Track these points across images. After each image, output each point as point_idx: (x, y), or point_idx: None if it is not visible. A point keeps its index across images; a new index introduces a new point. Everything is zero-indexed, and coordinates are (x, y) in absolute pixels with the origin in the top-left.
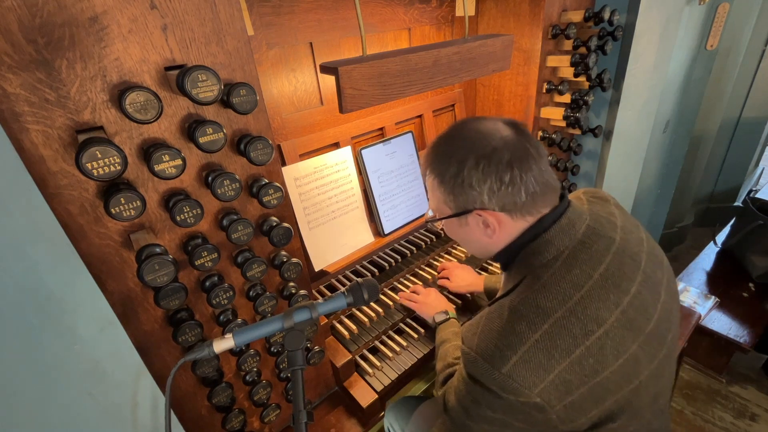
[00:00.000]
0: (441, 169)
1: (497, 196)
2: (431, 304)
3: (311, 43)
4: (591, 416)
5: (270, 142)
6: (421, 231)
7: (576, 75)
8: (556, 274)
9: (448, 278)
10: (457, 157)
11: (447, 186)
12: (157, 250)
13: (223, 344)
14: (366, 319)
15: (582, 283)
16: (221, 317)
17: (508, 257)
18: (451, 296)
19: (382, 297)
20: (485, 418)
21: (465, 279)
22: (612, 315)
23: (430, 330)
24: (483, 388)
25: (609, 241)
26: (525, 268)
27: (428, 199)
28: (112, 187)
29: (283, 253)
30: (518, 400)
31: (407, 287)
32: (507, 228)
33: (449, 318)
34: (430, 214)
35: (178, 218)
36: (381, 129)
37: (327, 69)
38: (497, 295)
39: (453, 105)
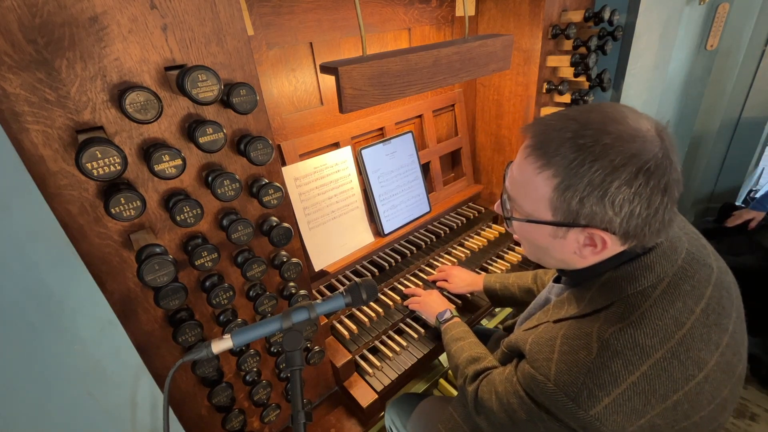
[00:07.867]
0: (573, 168)
1: (632, 221)
2: (433, 303)
3: (311, 43)
4: None
5: (270, 142)
6: (421, 231)
7: (576, 75)
8: (656, 307)
9: (446, 280)
10: (609, 161)
11: (572, 191)
12: (157, 250)
13: (221, 345)
14: (366, 319)
15: (684, 320)
16: (221, 317)
17: (587, 276)
18: (451, 296)
19: (382, 297)
20: None
21: (464, 279)
22: (712, 358)
23: (430, 330)
24: (552, 417)
25: (709, 271)
26: (613, 293)
27: (509, 182)
28: (112, 187)
29: (283, 253)
30: None
31: (407, 287)
32: (608, 251)
33: (454, 317)
34: (507, 206)
35: (178, 218)
36: (381, 129)
37: (327, 69)
38: (565, 315)
39: (453, 105)
